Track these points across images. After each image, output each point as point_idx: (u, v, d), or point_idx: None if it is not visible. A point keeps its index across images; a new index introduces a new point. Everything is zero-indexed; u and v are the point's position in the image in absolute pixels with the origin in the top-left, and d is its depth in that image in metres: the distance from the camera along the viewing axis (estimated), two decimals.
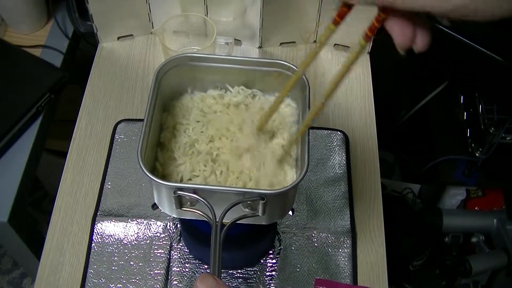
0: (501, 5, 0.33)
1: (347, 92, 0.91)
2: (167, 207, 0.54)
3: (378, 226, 0.76)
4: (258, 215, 0.51)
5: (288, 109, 0.61)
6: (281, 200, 0.53)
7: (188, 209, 0.51)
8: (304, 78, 0.57)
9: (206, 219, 0.50)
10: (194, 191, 0.49)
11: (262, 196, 0.48)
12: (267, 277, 0.71)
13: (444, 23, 0.37)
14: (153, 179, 0.48)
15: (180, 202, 0.51)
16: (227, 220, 0.49)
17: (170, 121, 0.59)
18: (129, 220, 0.74)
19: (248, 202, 0.49)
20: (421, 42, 0.39)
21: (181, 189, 0.49)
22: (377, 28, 0.40)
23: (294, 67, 0.57)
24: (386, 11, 0.38)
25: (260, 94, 0.62)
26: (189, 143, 0.57)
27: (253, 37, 0.94)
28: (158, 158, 0.57)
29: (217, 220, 0.48)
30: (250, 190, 0.48)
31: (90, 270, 0.71)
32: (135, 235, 0.73)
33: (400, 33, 0.38)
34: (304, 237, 0.74)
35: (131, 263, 0.71)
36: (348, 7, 0.40)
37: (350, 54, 0.44)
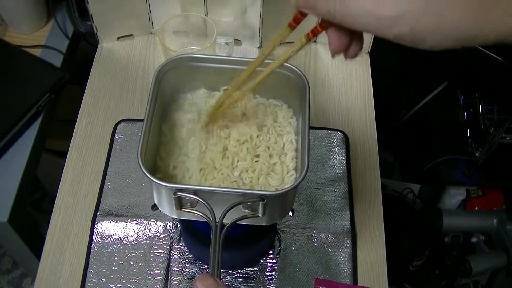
0: (446, 42, 0.35)
1: (347, 92, 0.91)
2: (167, 208, 0.54)
3: (378, 226, 0.76)
4: (258, 216, 0.51)
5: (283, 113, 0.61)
6: (281, 201, 0.53)
7: (188, 210, 0.51)
8: (304, 78, 0.57)
9: (206, 220, 0.50)
10: (194, 192, 0.49)
11: (262, 197, 0.48)
12: (267, 277, 0.71)
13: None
14: (153, 180, 0.48)
15: (180, 203, 0.51)
16: (227, 220, 0.49)
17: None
18: (129, 220, 0.74)
19: (248, 203, 0.49)
20: (353, 51, 0.42)
21: (181, 190, 0.48)
22: (319, 32, 0.43)
23: (295, 68, 0.57)
24: (327, 22, 0.41)
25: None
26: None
27: (253, 37, 0.94)
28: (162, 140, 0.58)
29: (217, 221, 0.48)
30: (250, 191, 0.48)
31: (90, 270, 0.71)
32: (135, 235, 0.73)
33: (337, 41, 0.41)
34: (304, 237, 0.74)
35: (131, 263, 0.71)
36: (302, 14, 0.43)
37: (289, 49, 0.47)
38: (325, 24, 0.41)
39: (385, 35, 0.36)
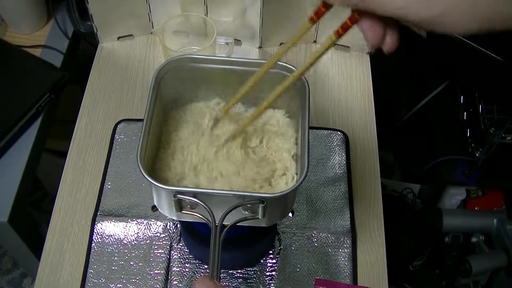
0: (473, 25, 0.35)
1: (347, 92, 0.91)
2: (166, 209, 0.54)
3: (378, 226, 0.76)
4: (258, 218, 0.51)
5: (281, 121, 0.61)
6: (281, 203, 0.53)
7: (188, 212, 0.51)
8: (304, 79, 0.57)
9: (205, 222, 0.50)
10: (194, 194, 0.48)
11: (262, 200, 0.48)
12: (267, 277, 0.71)
13: (422, 35, 0.39)
14: (153, 183, 0.48)
15: (180, 205, 0.51)
16: (227, 222, 0.49)
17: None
18: (129, 220, 0.74)
19: (248, 205, 0.49)
20: (390, 41, 0.41)
21: (181, 192, 0.48)
22: (350, 27, 0.42)
23: (294, 68, 0.57)
24: (360, 13, 0.40)
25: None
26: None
27: (253, 37, 0.94)
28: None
29: (217, 223, 0.48)
30: (250, 194, 0.48)
31: (90, 270, 0.71)
32: (135, 235, 0.73)
33: (371, 32, 0.41)
34: (304, 237, 0.74)
35: (131, 263, 0.71)
36: (326, 7, 0.42)
37: (319, 47, 0.46)
38: (355, 17, 0.40)
39: (413, 18, 0.35)
